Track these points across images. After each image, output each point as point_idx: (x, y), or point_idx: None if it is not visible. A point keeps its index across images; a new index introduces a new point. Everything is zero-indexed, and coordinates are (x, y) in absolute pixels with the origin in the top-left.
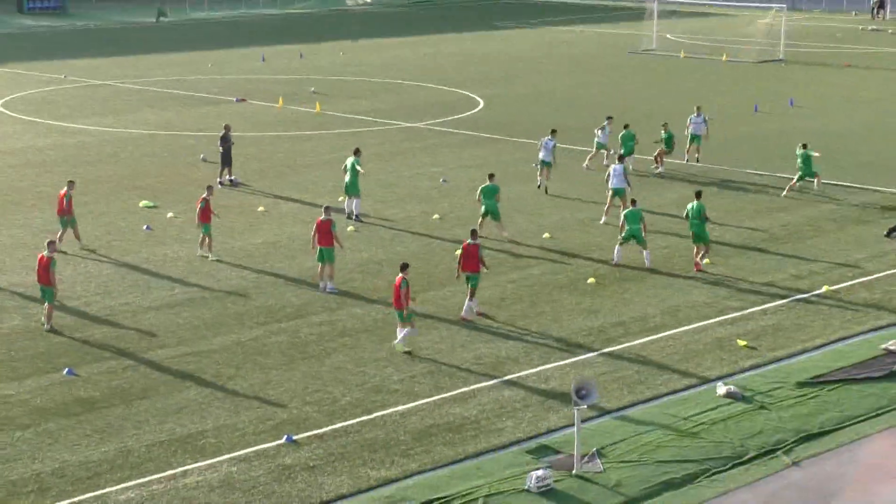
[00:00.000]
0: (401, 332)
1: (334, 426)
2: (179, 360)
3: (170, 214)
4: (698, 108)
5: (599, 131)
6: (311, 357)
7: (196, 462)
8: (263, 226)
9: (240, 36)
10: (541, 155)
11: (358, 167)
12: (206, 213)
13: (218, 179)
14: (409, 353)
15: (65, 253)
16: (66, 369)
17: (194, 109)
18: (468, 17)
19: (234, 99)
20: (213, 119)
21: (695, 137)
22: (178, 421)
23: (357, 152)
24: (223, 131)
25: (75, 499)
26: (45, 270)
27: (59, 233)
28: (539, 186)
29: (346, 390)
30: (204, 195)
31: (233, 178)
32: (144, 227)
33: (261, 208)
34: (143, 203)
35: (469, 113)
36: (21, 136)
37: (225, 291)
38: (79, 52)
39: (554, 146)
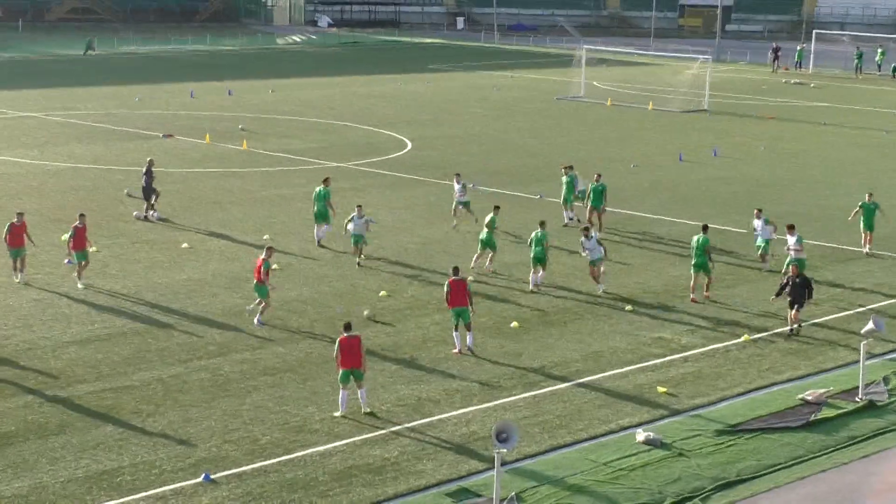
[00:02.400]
0: (361, 394)
1: (254, 465)
2: (98, 396)
3: (92, 248)
4: (457, 175)
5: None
6: (232, 395)
7: (112, 499)
8: (187, 262)
9: (168, 71)
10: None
11: (328, 196)
12: (79, 241)
13: (140, 213)
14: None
15: None
16: None
17: (121, 144)
18: (399, 59)
19: (162, 135)
20: (140, 154)
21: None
22: (94, 457)
23: (326, 182)
24: (146, 165)
25: None
26: None
27: (13, 263)
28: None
29: (267, 429)
30: (76, 223)
31: (156, 212)
32: (66, 261)
33: (185, 244)
34: (64, 237)
35: (397, 154)
36: None
37: (146, 326)
38: (5, 84)
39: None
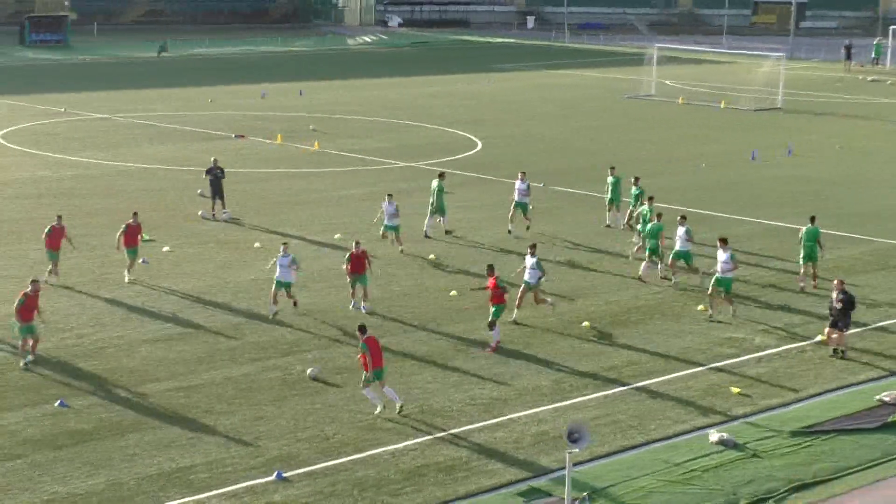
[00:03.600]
0: (386, 393)
1: (325, 464)
2: (171, 395)
3: (165, 248)
4: (523, 174)
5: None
6: (303, 394)
7: (185, 497)
8: (259, 262)
9: (240, 72)
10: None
11: (444, 190)
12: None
13: (206, 212)
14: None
15: (64, 287)
16: (59, 401)
17: (193, 145)
18: (469, 59)
19: (234, 135)
20: (211, 154)
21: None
22: (168, 455)
23: (441, 176)
24: (211, 165)
25: None
26: (30, 307)
27: (52, 265)
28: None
29: (338, 428)
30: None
31: (226, 212)
32: (140, 260)
33: (257, 244)
34: (145, 236)
35: (467, 154)
36: (19, 168)
37: (218, 326)
38: (79, 86)
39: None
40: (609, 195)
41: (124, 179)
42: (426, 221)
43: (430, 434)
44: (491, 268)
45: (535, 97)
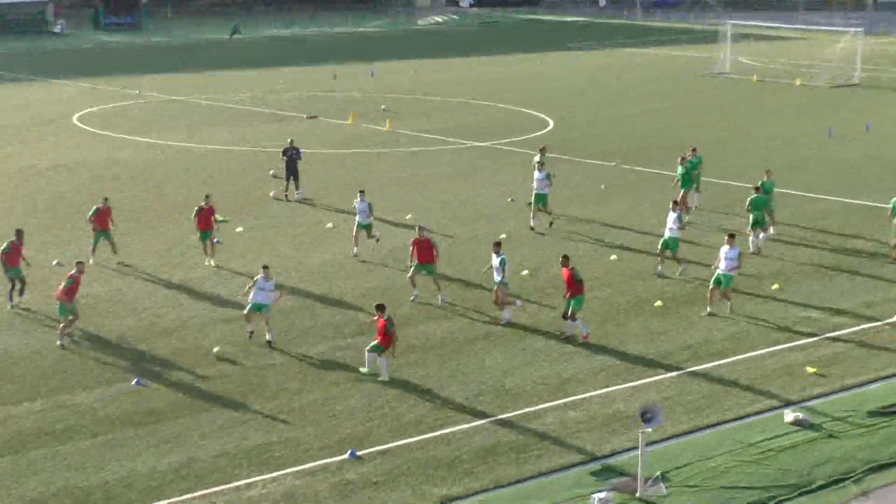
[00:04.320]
0: (383, 363)
1: (398, 442)
2: (245, 374)
3: (239, 229)
4: (540, 164)
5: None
6: (376, 373)
7: (260, 475)
8: (332, 242)
9: (312, 53)
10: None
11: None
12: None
13: (278, 193)
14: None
15: (127, 265)
16: (135, 379)
17: (265, 126)
18: (541, 38)
19: (306, 116)
20: (284, 135)
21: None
22: (243, 433)
23: (543, 150)
24: (287, 146)
25: None
26: (73, 288)
27: (92, 246)
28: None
29: (411, 407)
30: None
31: (299, 192)
32: (215, 240)
33: (329, 225)
34: (219, 217)
35: (539, 133)
36: (94, 150)
37: (292, 306)
38: (153, 68)
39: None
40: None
41: (197, 161)
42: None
43: (502, 413)
44: (566, 258)
45: (607, 76)
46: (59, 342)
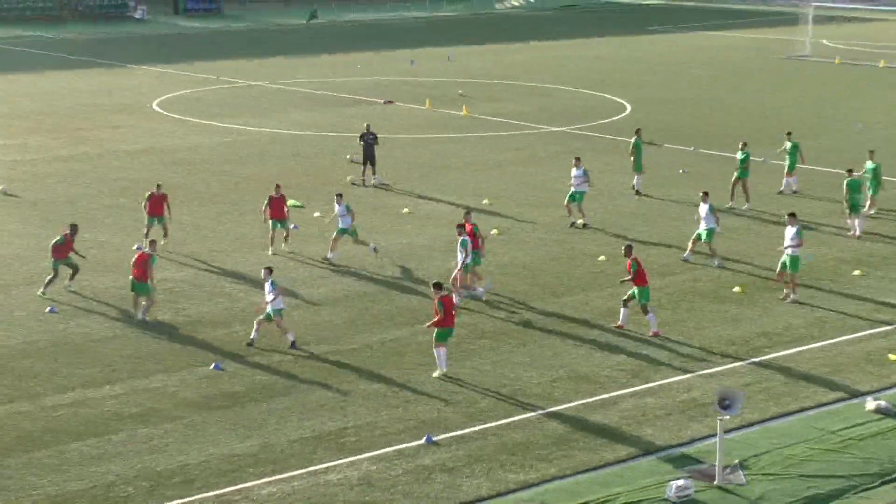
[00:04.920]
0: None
1: (474, 428)
2: (322, 359)
3: (316, 214)
4: (577, 159)
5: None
6: (452, 358)
7: (337, 459)
8: (407, 226)
9: (389, 38)
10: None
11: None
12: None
13: (356, 178)
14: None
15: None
16: (214, 364)
17: (342, 110)
18: (619, 21)
19: (383, 101)
20: (361, 120)
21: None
22: (319, 418)
23: (638, 133)
24: (364, 130)
25: (218, 491)
26: (144, 267)
27: (146, 231)
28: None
29: (486, 392)
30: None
31: (376, 177)
32: (292, 226)
33: (405, 209)
34: (290, 203)
35: (616, 118)
36: (173, 135)
37: (368, 291)
38: (231, 53)
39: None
40: (787, 160)
41: (275, 145)
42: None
43: (578, 399)
44: (629, 248)
45: (687, 59)
46: (140, 316)
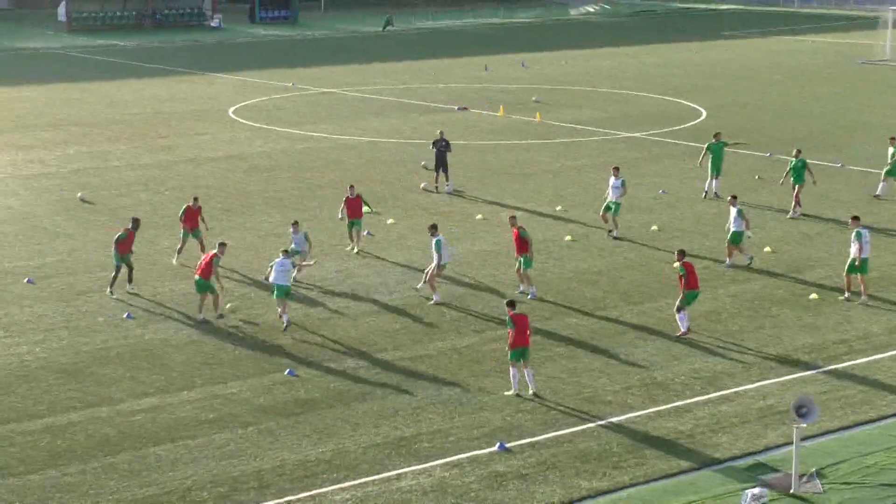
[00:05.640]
0: (526, 375)
1: (547, 435)
2: (395, 365)
3: (390, 220)
4: (616, 169)
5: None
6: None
7: (410, 466)
8: (482, 233)
9: (463, 45)
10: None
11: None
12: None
13: (429, 184)
14: (537, 395)
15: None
16: (287, 370)
17: (417, 117)
18: (693, 27)
19: (457, 107)
20: (436, 127)
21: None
22: (393, 424)
23: (717, 136)
24: (437, 137)
25: (293, 497)
26: (209, 266)
27: (180, 245)
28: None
29: (560, 399)
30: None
31: (449, 184)
32: (366, 232)
33: (479, 216)
34: (364, 209)
35: (692, 123)
36: (250, 143)
37: (442, 297)
38: (307, 61)
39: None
40: (889, 166)
41: (351, 152)
42: (707, 183)
43: (652, 407)
44: (682, 252)
45: (763, 64)
46: (200, 316)
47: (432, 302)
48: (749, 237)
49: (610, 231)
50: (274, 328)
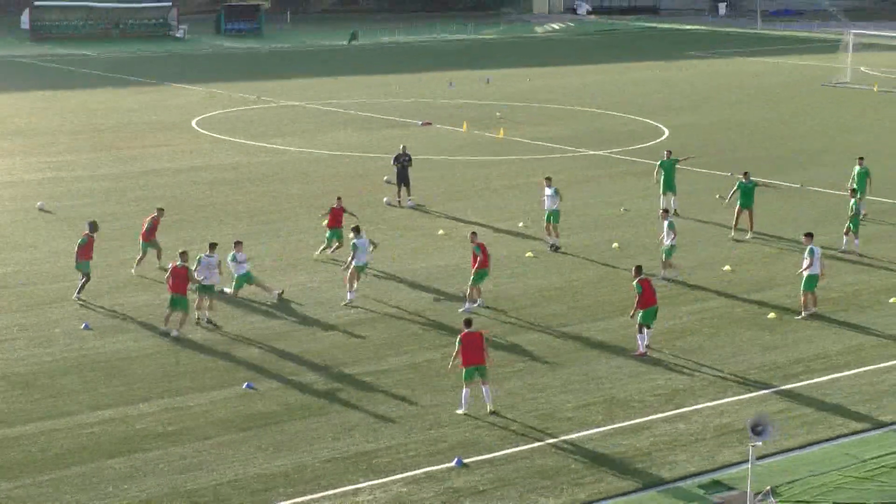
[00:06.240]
0: (485, 391)
1: (505, 451)
2: (355, 379)
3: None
4: (548, 179)
5: None
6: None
7: (368, 480)
8: (443, 248)
9: (428, 60)
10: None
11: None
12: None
13: (391, 199)
14: (495, 413)
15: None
16: (246, 383)
17: (380, 132)
18: (657, 46)
19: (420, 122)
20: (399, 141)
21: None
22: (351, 439)
23: (668, 153)
24: (399, 152)
25: None
26: (184, 281)
27: (139, 257)
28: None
29: (519, 415)
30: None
31: (410, 199)
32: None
33: (441, 231)
34: (326, 222)
35: (654, 142)
36: (213, 154)
37: (403, 312)
38: (272, 73)
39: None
40: (853, 184)
41: (314, 166)
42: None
43: (610, 424)
44: (638, 269)
45: (726, 85)
46: (173, 333)
47: (344, 303)
48: (668, 247)
49: (552, 245)
50: (234, 341)
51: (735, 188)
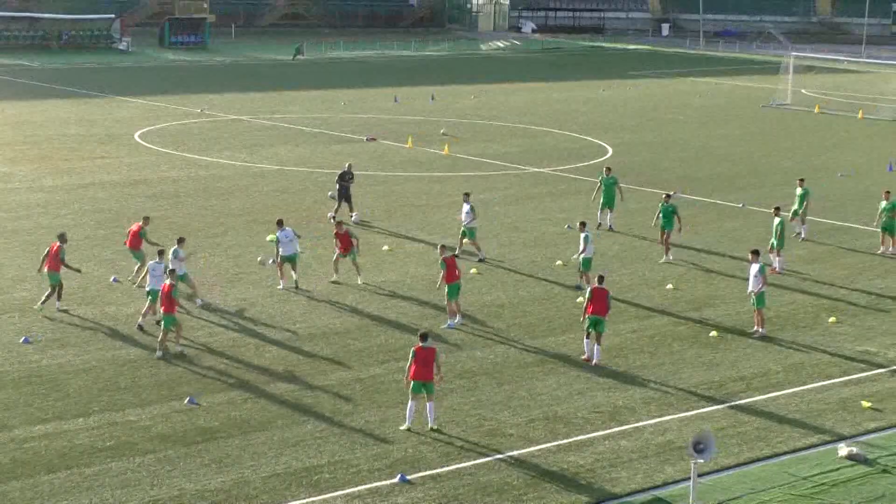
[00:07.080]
0: (429, 408)
1: (448, 467)
2: (298, 395)
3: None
4: (466, 195)
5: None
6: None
7: (309, 496)
8: (387, 264)
9: (374, 76)
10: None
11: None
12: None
13: (330, 214)
14: (437, 430)
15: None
16: (188, 398)
17: (325, 147)
18: (601, 66)
19: (365, 138)
20: (344, 157)
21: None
22: (294, 454)
23: (608, 170)
24: (344, 169)
25: None
26: (169, 298)
27: (137, 266)
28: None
29: (462, 432)
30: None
31: (354, 215)
32: (270, 261)
33: (385, 247)
34: (269, 237)
35: (598, 160)
36: (156, 168)
37: (347, 328)
38: (217, 87)
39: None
40: (795, 206)
41: (259, 180)
42: (599, 215)
43: (553, 440)
44: (601, 278)
45: (669, 104)
46: (158, 353)
47: (279, 287)
48: (577, 259)
49: (479, 258)
50: (176, 357)
51: (658, 211)
